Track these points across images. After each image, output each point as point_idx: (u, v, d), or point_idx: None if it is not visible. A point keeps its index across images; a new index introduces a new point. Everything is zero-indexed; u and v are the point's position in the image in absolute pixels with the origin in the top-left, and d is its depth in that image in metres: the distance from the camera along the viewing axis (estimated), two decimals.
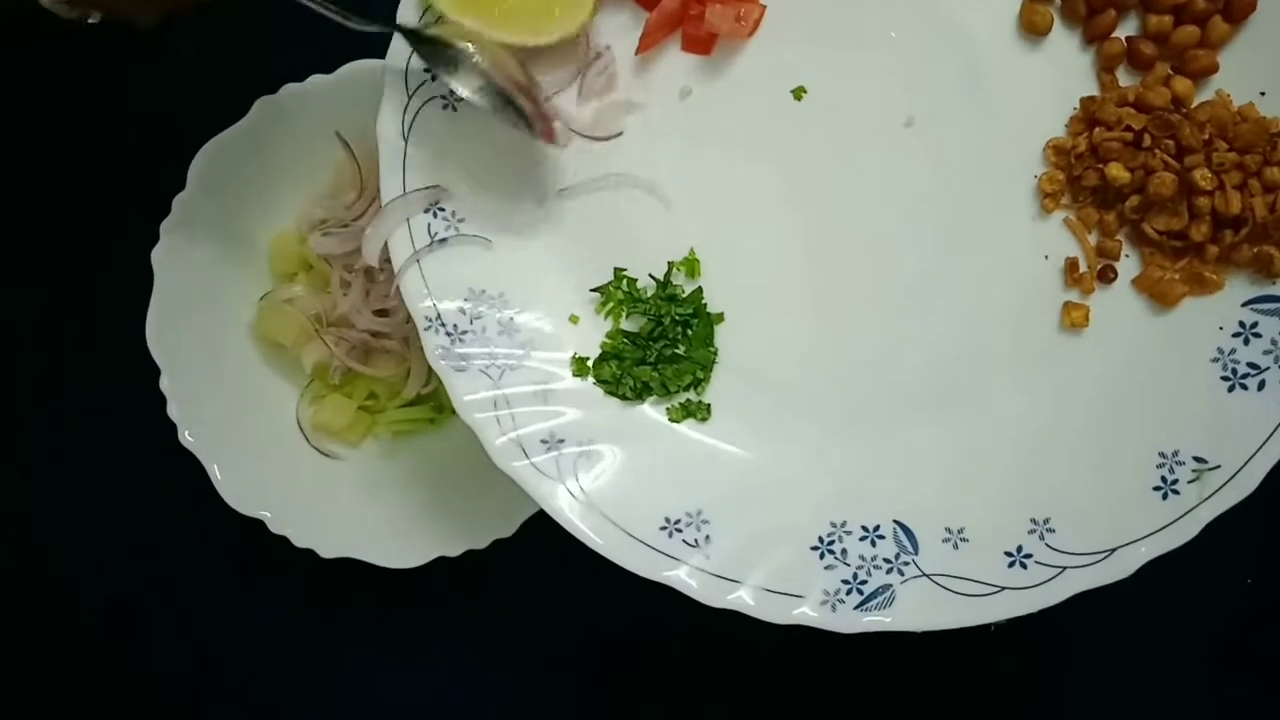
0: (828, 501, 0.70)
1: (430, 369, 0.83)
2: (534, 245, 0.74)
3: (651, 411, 0.73)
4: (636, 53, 0.73)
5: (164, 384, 0.80)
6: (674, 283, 0.74)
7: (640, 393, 0.73)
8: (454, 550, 0.80)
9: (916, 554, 0.69)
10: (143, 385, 0.80)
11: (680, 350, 0.73)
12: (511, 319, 0.73)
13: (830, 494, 0.71)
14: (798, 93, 0.73)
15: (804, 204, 0.73)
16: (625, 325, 0.74)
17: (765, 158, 0.74)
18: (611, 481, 0.70)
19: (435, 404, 0.87)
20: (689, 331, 0.73)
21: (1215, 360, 0.68)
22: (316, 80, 0.82)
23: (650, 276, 0.74)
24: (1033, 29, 0.71)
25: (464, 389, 0.71)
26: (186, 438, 0.80)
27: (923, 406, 0.72)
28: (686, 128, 0.74)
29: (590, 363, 0.73)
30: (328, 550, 0.80)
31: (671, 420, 0.73)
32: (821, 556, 0.69)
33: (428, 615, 0.88)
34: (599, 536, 0.69)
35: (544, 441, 0.71)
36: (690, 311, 0.73)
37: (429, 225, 0.73)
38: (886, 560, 0.69)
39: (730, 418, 0.73)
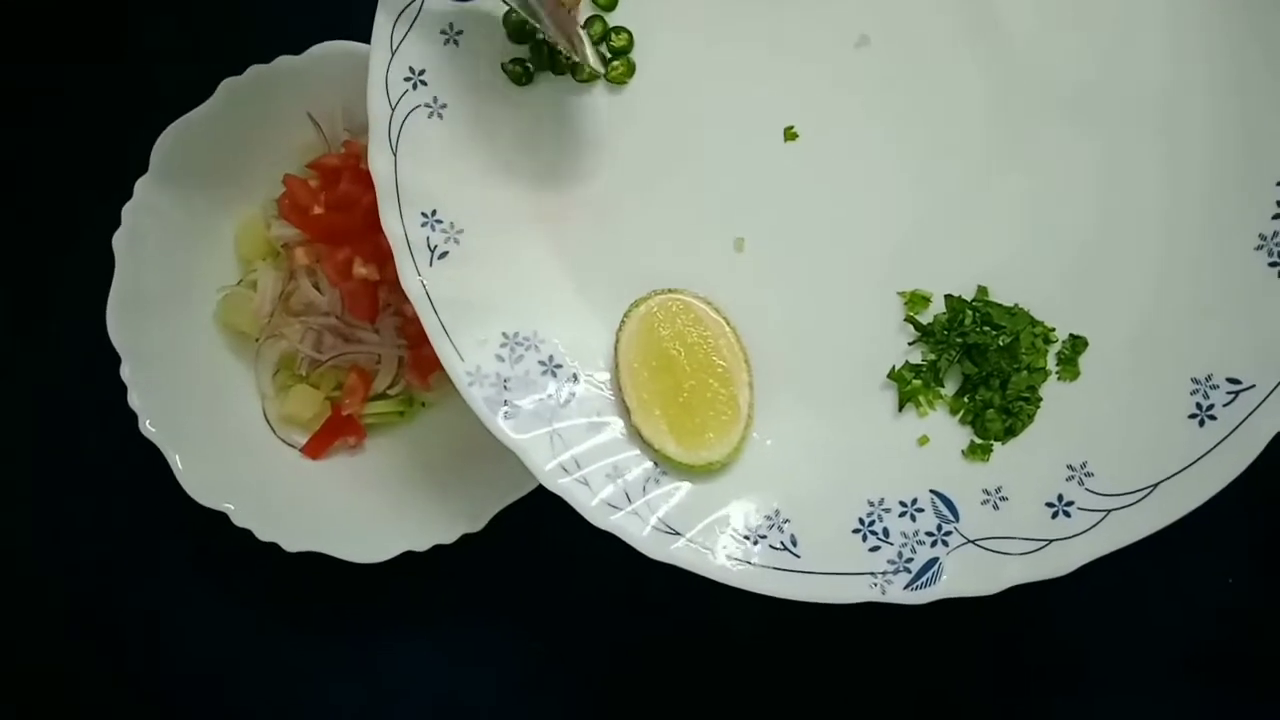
0: (864, 478, 0.69)
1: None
2: (549, 269, 0.73)
3: None
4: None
5: (124, 372, 0.79)
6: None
7: None
8: (421, 545, 0.79)
9: (958, 521, 0.67)
10: (103, 373, 0.79)
11: None
12: (550, 357, 0.72)
13: (864, 470, 0.69)
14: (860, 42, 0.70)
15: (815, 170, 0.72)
16: None
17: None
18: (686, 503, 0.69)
19: (405, 396, 0.85)
20: None
21: (1259, 248, 0.65)
22: (284, 61, 0.80)
23: None
24: None
25: (539, 460, 0.69)
26: (148, 427, 0.79)
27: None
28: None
29: None
30: (292, 544, 0.79)
31: None
32: (864, 539, 0.67)
33: (394, 611, 0.87)
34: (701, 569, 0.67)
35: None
36: None
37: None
38: (929, 533, 0.67)
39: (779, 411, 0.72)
